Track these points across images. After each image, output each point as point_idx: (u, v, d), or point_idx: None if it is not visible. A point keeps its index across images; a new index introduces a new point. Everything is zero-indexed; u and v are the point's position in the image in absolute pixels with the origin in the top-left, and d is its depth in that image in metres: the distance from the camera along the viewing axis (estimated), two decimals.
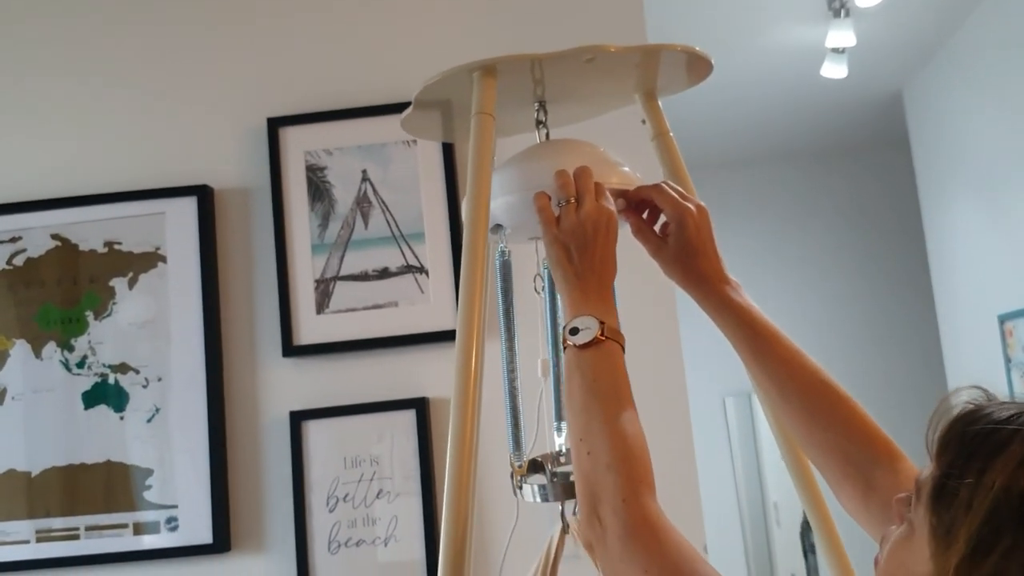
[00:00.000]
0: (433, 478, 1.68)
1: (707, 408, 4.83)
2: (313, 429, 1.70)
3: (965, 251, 3.79)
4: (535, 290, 1.13)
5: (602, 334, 0.93)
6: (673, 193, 1.06)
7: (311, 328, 1.73)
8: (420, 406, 1.69)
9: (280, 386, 1.75)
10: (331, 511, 1.67)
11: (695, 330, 2.07)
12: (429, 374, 1.73)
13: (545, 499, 1.02)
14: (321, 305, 1.73)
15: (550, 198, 1.02)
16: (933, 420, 0.69)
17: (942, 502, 0.65)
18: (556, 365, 1.13)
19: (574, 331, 0.94)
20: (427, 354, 1.73)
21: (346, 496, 1.68)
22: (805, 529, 4.84)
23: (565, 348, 0.95)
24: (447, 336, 1.69)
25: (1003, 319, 3.40)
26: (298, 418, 1.70)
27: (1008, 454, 0.63)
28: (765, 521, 4.99)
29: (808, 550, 4.84)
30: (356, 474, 1.68)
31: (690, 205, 1.05)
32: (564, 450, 1.12)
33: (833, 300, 4.89)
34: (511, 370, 1.10)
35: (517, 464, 1.07)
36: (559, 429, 1.13)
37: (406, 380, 1.73)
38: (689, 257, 1.04)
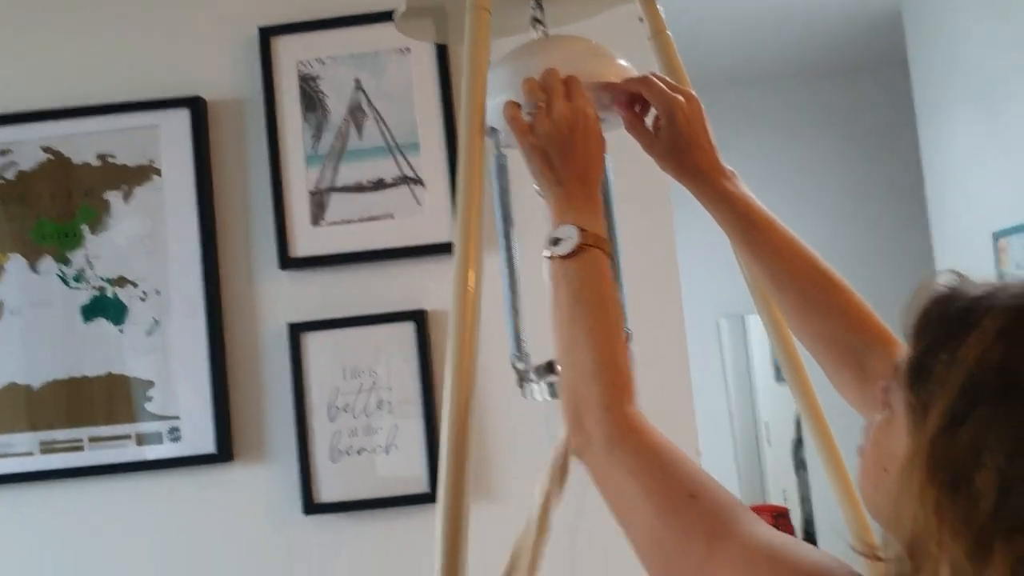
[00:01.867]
0: (433, 389, 1.69)
1: (701, 330, 4.85)
2: (312, 341, 1.71)
3: (961, 168, 3.77)
4: (537, 194, 1.12)
5: (584, 242, 0.91)
6: (661, 85, 1.03)
7: (307, 240, 1.72)
8: (419, 318, 1.70)
9: (278, 298, 1.75)
10: (332, 420, 1.69)
11: (689, 252, 2.08)
12: (427, 286, 1.73)
13: (555, 396, 1.03)
14: (316, 217, 1.73)
15: (520, 106, 0.99)
16: (910, 306, 0.69)
17: (919, 381, 0.65)
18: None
19: (555, 241, 0.93)
20: (425, 266, 1.73)
21: (346, 406, 1.70)
22: (796, 446, 4.92)
23: (549, 259, 0.94)
24: (445, 248, 1.69)
25: (997, 236, 3.40)
26: (297, 330, 1.71)
27: (981, 328, 0.63)
28: (757, 441, 5.06)
29: (799, 466, 4.93)
30: (356, 385, 1.70)
31: (679, 97, 1.03)
32: None
33: (828, 217, 4.88)
34: (510, 272, 1.09)
35: (520, 365, 1.07)
36: None
37: (404, 293, 1.73)
38: (682, 150, 1.03)
